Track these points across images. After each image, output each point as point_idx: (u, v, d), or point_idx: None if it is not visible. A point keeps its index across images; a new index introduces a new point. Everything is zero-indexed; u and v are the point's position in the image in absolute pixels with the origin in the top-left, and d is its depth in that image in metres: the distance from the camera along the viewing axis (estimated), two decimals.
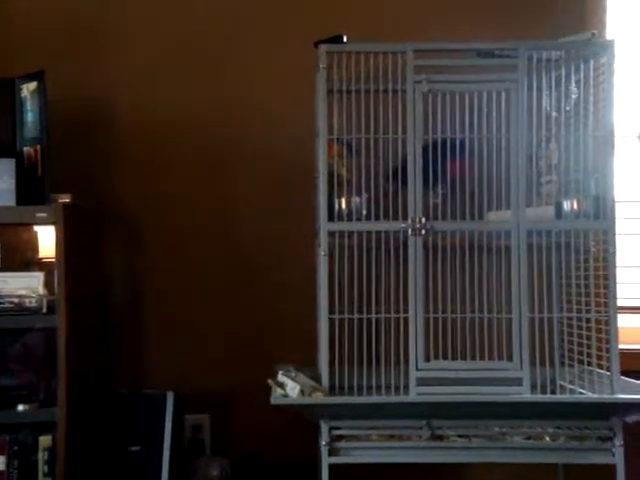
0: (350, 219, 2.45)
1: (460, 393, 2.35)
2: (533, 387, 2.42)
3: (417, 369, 2.39)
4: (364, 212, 2.47)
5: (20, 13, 2.95)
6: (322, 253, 2.43)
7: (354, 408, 2.37)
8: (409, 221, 2.41)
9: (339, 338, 2.43)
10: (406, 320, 2.41)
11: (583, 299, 2.50)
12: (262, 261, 2.93)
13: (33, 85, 2.65)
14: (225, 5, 2.97)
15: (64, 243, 2.49)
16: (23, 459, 2.53)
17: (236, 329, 2.90)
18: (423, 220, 2.41)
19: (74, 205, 2.59)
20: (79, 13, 2.96)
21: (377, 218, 2.46)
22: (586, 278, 2.50)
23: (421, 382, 2.38)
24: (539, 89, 2.49)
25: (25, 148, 2.67)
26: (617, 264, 2.41)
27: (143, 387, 2.81)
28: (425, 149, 2.43)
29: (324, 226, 2.43)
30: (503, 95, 2.45)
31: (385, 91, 2.48)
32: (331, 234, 2.44)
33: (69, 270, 2.50)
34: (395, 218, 2.45)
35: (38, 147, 2.63)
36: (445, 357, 2.44)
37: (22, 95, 2.68)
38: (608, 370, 2.39)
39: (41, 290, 2.57)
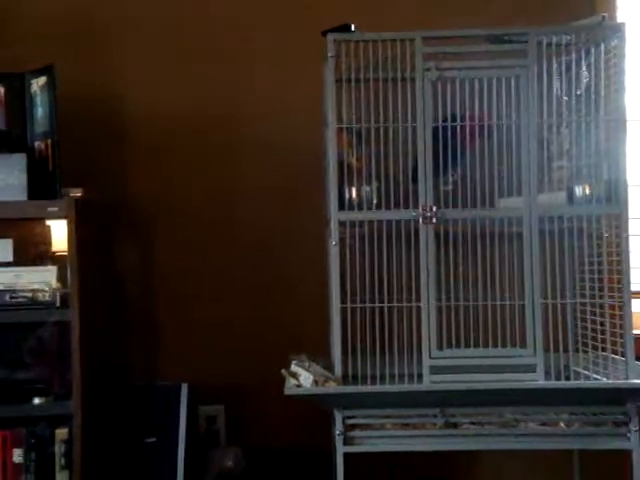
0: (361, 208, 2.45)
1: (474, 381, 2.35)
2: (547, 373, 2.41)
3: (430, 357, 2.39)
4: (374, 201, 2.47)
5: (30, 8, 2.95)
6: (333, 243, 2.43)
7: (367, 397, 2.37)
8: (420, 209, 2.40)
9: (352, 327, 2.43)
10: (418, 308, 2.40)
11: (596, 284, 2.49)
12: (274, 252, 2.93)
13: (43, 80, 2.66)
14: None
15: (76, 237, 2.51)
16: (40, 452, 2.55)
17: (249, 319, 2.91)
18: (434, 208, 2.40)
19: (85, 199, 2.60)
20: (89, 8, 2.97)
21: (388, 207, 2.45)
22: (599, 263, 2.49)
23: (434, 370, 2.38)
24: (549, 74, 2.47)
25: (36, 143, 2.68)
26: (630, 248, 2.40)
27: (157, 379, 2.82)
28: (435, 133, 2.42)
29: (334, 216, 2.43)
30: (513, 81, 2.43)
31: (394, 79, 2.47)
32: (342, 223, 2.43)
33: (81, 264, 2.52)
34: (406, 206, 2.44)
35: (49, 141, 2.64)
36: (458, 345, 2.43)
37: (32, 90, 2.69)
38: (622, 355, 2.38)
39: (54, 284, 2.59)
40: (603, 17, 2.46)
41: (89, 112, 2.90)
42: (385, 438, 2.40)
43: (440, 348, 2.40)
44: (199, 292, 2.93)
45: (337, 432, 2.37)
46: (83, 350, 2.50)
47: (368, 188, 2.47)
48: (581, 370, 2.52)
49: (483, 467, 2.91)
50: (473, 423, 2.39)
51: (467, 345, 2.44)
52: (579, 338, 2.61)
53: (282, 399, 2.31)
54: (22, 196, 2.58)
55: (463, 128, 2.46)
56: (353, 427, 2.39)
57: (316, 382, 2.34)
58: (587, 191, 2.45)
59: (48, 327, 2.61)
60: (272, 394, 2.41)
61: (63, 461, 2.54)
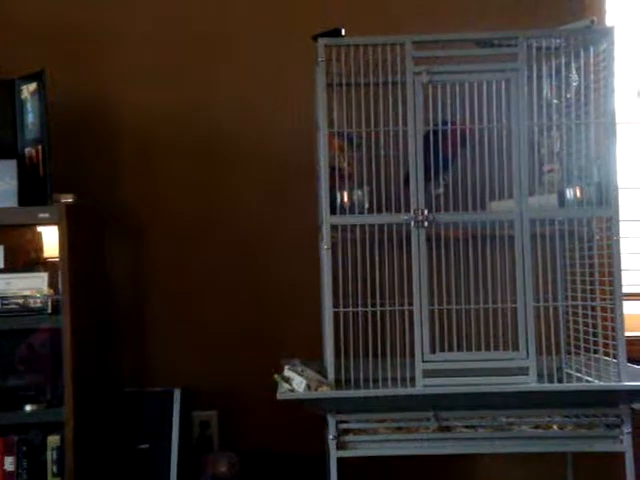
0: (352, 212, 2.45)
1: (466, 384, 2.35)
2: (540, 376, 2.42)
3: (423, 361, 2.39)
4: (366, 205, 2.47)
5: (20, 14, 2.95)
6: (325, 247, 2.43)
7: (361, 401, 2.37)
8: (411, 213, 2.41)
9: (344, 332, 2.43)
10: (411, 312, 2.40)
11: (588, 287, 2.50)
12: (266, 257, 2.93)
13: (33, 86, 2.65)
14: (222, 1, 2.97)
15: (67, 243, 2.50)
16: (32, 459, 2.54)
17: (241, 325, 2.90)
18: (425, 212, 2.40)
19: (76, 205, 2.59)
20: (78, 14, 2.96)
21: (379, 211, 2.45)
22: (590, 266, 2.50)
23: (427, 374, 2.38)
24: (539, 77, 2.48)
25: (26, 149, 2.67)
26: (621, 251, 2.41)
27: (150, 385, 2.81)
28: (426, 138, 2.43)
29: (326, 220, 2.43)
30: (503, 84, 2.44)
31: (385, 83, 2.47)
32: (334, 228, 2.43)
33: (73, 270, 2.51)
34: (397, 210, 2.44)
35: (39, 148, 2.63)
36: (451, 348, 2.43)
37: (22, 96, 2.68)
38: (614, 357, 2.39)
39: (46, 290, 2.58)
40: (592, 21, 2.47)
41: (80, 118, 2.90)
42: (378, 442, 2.39)
43: (433, 351, 2.41)
44: (191, 297, 2.92)
45: (330, 436, 2.37)
46: (75, 356, 2.49)
47: (360, 192, 2.48)
48: (573, 372, 2.53)
49: (477, 470, 2.90)
50: (466, 426, 2.39)
51: (460, 348, 2.45)
52: (571, 340, 2.63)
53: (275, 404, 2.30)
54: (13, 202, 2.57)
55: (454, 132, 2.46)
56: (346, 431, 2.39)
57: (309, 387, 2.33)
58: (578, 194, 2.45)
59: (39, 333, 2.60)
60: (265, 399, 2.41)
61: (55, 468, 2.53)
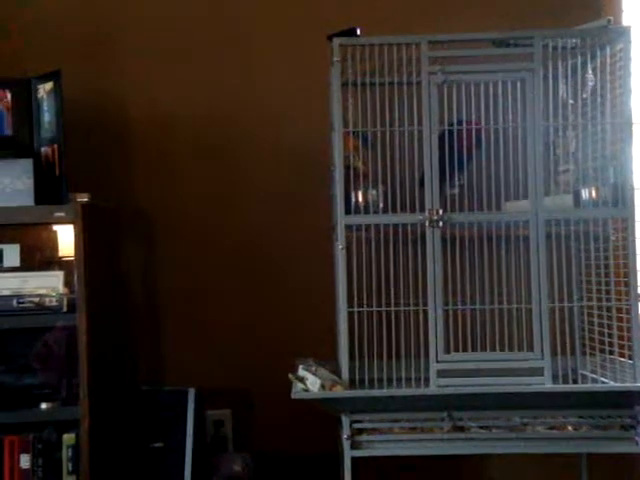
0: (367, 212, 2.45)
1: (481, 384, 2.35)
2: (555, 377, 2.41)
3: (437, 361, 2.39)
4: (381, 205, 2.47)
5: (35, 14, 2.96)
6: (340, 247, 2.43)
7: (375, 401, 2.37)
8: (426, 213, 2.40)
9: (359, 332, 2.43)
10: (425, 312, 2.40)
11: (603, 287, 2.49)
12: (280, 256, 2.93)
13: (49, 85, 2.67)
14: (240, 1, 2.97)
15: (83, 242, 2.51)
16: (47, 457, 2.55)
17: (256, 324, 2.91)
18: (440, 212, 2.40)
19: (92, 204, 2.60)
20: (94, 13, 2.97)
21: (394, 210, 2.45)
22: (606, 267, 2.48)
23: (442, 374, 2.38)
24: (555, 77, 2.47)
25: (42, 148, 2.69)
26: (637, 251, 2.39)
27: (164, 384, 2.82)
28: (441, 138, 2.42)
29: (341, 220, 2.43)
30: (519, 84, 2.43)
31: (400, 83, 2.47)
32: (348, 227, 2.43)
33: (88, 268, 2.52)
34: (412, 210, 2.44)
35: (55, 147, 2.65)
36: (465, 349, 2.43)
37: (39, 95, 2.70)
38: (630, 358, 2.38)
39: (61, 289, 2.59)
40: (609, 20, 2.46)
41: (95, 117, 2.91)
42: (392, 442, 2.39)
43: (447, 352, 2.40)
44: (206, 297, 2.93)
45: (344, 436, 2.37)
46: (90, 355, 2.50)
47: (374, 192, 2.48)
48: (589, 373, 2.52)
49: (490, 470, 2.90)
50: (481, 427, 2.39)
51: (474, 349, 2.44)
52: (586, 341, 2.62)
53: (289, 403, 2.31)
54: (29, 201, 2.59)
55: (469, 132, 2.46)
56: (360, 431, 2.39)
57: (323, 386, 2.34)
58: (593, 194, 2.45)
59: (55, 332, 2.62)
60: (279, 398, 2.41)
61: (70, 466, 2.54)
